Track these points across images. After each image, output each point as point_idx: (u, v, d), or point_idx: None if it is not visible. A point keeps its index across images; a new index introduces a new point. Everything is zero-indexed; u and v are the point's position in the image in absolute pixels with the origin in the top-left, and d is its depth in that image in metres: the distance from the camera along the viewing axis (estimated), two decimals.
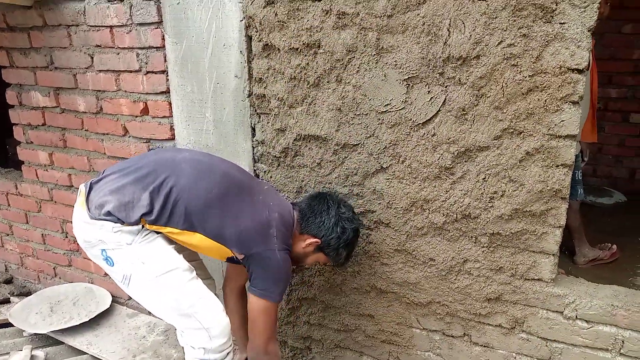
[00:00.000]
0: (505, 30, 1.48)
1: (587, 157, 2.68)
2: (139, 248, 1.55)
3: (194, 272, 1.64)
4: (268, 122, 1.97)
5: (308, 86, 1.83)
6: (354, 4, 1.66)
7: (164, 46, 2.11)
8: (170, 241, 1.63)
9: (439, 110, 1.64)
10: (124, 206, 1.52)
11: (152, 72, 2.18)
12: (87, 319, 2.50)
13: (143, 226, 1.55)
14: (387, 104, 1.72)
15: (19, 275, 3.23)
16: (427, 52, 1.60)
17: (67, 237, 2.82)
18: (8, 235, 3.13)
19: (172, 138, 2.25)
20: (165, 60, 2.13)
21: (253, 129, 2.04)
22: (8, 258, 3.23)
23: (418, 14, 1.58)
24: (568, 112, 1.49)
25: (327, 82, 1.80)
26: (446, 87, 1.61)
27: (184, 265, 1.60)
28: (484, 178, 1.66)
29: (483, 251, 1.75)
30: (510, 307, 1.78)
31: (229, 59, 1.97)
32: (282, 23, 1.79)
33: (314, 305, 2.18)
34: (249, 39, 1.91)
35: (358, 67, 1.73)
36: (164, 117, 2.23)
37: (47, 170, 2.74)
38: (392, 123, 1.73)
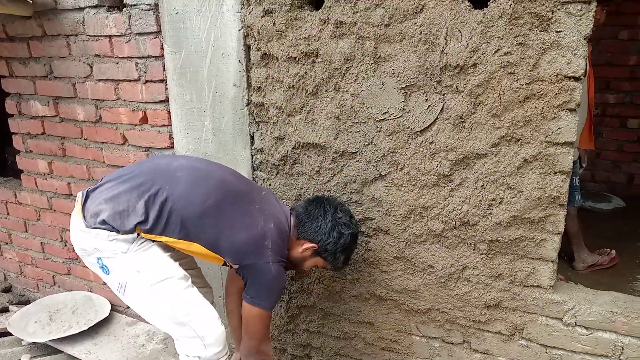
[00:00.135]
0: (501, 39, 1.49)
1: (586, 163, 2.66)
2: (134, 256, 1.55)
3: (190, 281, 1.64)
4: (267, 131, 1.98)
5: (306, 95, 1.84)
6: (351, 13, 1.67)
7: (162, 55, 2.12)
8: (167, 249, 1.63)
9: (437, 118, 1.65)
10: (118, 215, 1.53)
11: (151, 81, 2.19)
12: (86, 328, 2.50)
13: (138, 234, 1.56)
14: (385, 112, 1.72)
15: (18, 283, 3.23)
16: (424, 61, 1.61)
17: (66, 245, 2.82)
18: (7, 243, 3.13)
19: (172, 146, 2.25)
20: (164, 70, 2.14)
21: (252, 137, 2.04)
22: (7, 266, 3.23)
23: (415, 23, 1.59)
24: (565, 119, 1.50)
25: (326, 90, 1.80)
26: (444, 95, 1.62)
27: (179, 274, 1.60)
28: (482, 185, 1.66)
29: (482, 258, 1.75)
30: (509, 314, 1.78)
31: (227, 68, 1.98)
32: (280, 32, 1.81)
33: (314, 312, 2.18)
34: (248, 48, 1.92)
35: (356, 76, 1.74)
36: (163, 125, 2.24)
37: (46, 179, 2.74)
38: (390, 131, 1.74)
